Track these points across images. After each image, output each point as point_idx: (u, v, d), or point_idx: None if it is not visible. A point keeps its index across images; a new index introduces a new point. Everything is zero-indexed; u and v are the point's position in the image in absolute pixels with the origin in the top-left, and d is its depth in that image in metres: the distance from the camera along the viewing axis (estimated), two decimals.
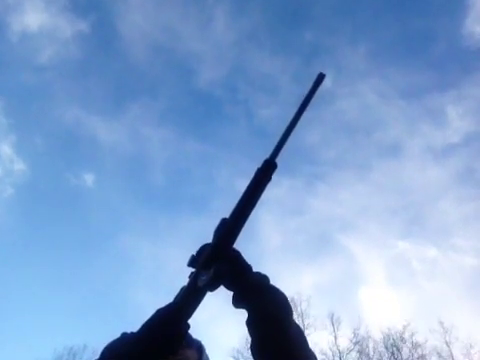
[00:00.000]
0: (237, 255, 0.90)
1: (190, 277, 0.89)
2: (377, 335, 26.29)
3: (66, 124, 34.35)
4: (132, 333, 0.87)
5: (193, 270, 0.90)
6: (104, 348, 0.90)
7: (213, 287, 0.86)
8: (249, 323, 0.86)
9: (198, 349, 1.05)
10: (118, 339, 0.92)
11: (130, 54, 36.22)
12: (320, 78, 0.94)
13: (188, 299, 0.87)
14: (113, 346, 0.90)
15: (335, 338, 26.19)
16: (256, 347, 0.84)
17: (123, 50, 36.19)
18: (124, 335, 0.91)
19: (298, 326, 0.87)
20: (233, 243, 0.89)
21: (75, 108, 35.31)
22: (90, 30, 33.31)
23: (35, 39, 34.13)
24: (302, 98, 0.94)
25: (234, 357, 23.72)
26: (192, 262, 0.90)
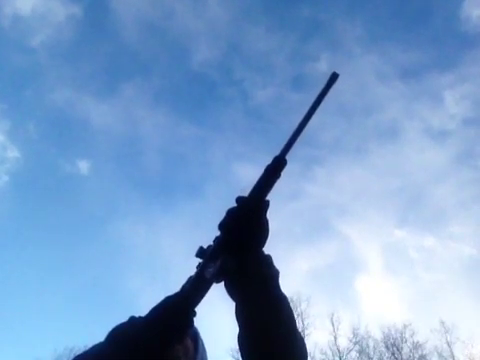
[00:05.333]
0: (247, 249, 0.90)
1: (198, 267, 0.91)
2: (377, 335, 26.35)
3: (59, 108, 34.27)
4: (140, 317, 0.88)
5: (201, 261, 0.92)
6: (111, 330, 0.89)
7: (218, 279, 0.89)
8: (240, 314, 0.86)
9: (193, 336, 1.04)
10: (126, 322, 0.90)
11: (123, 34, 36.22)
12: (333, 77, 0.94)
13: (195, 289, 0.89)
14: (120, 329, 0.88)
15: (335, 338, 26.25)
16: (248, 339, 0.84)
17: (116, 30, 35.90)
18: (132, 319, 0.90)
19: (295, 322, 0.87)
20: (241, 237, 0.89)
21: (68, 92, 35.41)
22: (83, 12, 33.18)
23: (27, 22, 34.07)
24: (315, 96, 0.94)
25: (234, 357, 23.73)
26: (200, 253, 0.92)
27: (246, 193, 0.91)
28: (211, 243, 0.92)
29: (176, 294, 0.89)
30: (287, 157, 0.92)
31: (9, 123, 35.53)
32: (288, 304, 0.88)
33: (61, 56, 36.35)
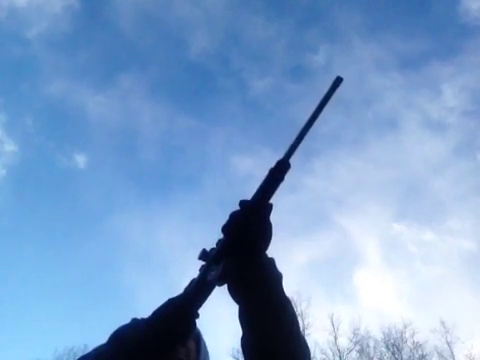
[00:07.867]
0: (250, 252, 0.89)
1: (200, 270, 0.91)
2: (377, 335, 26.32)
3: (56, 101, 33.97)
4: (143, 319, 0.88)
5: (203, 263, 0.92)
6: (114, 332, 0.89)
7: (221, 282, 0.89)
8: (244, 317, 0.87)
9: (195, 338, 1.05)
10: (128, 325, 0.90)
11: (120, 24, 35.50)
12: (337, 82, 0.94)
13: (198, 292, 0.90)
14: (123, 331, 0.89)
15: (335, 338, 26.22)
16: (252, 343, 0.85)
17: (112, 20, 35.28)
18: (135, 321, 0.90)
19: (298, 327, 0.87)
20: (244, 240, 0.89)
21: (65, 84, 35.00)
22: (79, 3, 32.77)
23: (23, 14, 33.78)
24: (319, 100, 0.95)
25: (234, 357, 23.72)
26: (203, 256, 0.92)
27: (249, 196, 0.90)
28: (214, 246, 0.92)
29: (179, 296, 0.90)
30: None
31: (6, 116, 35.34)
32: (291, 307, 0.88)
33: (58, 48, 36.00)
